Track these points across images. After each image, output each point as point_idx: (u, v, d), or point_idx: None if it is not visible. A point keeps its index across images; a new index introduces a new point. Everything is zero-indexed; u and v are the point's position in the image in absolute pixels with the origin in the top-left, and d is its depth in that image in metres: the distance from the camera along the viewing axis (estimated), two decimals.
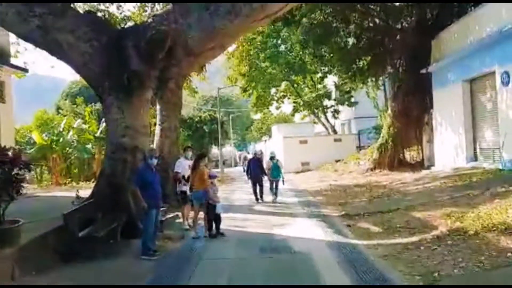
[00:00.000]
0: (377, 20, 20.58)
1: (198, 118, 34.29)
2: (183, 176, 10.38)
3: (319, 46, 19.99)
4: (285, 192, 18.53)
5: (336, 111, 35.03)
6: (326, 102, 36.47)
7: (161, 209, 8.77)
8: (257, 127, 58.22)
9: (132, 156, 10.11)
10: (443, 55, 17.78)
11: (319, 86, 36.29)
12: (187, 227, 10.27)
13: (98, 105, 31.94)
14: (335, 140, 31.29)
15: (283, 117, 49.73)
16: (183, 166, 10.44)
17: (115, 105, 10.40)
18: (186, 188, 10.29)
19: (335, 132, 35.56)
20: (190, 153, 10.77)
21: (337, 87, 34.78)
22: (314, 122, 37.34)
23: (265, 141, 47.28)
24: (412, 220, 9.18)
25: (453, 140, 17.40)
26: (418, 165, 20.92)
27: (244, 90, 35.90)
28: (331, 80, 36.04)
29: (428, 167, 19.76)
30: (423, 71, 18.81)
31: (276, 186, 15.16)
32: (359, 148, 31.63)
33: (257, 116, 62.11)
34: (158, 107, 14.53)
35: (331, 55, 21.16)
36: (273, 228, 10.23)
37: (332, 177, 22.33)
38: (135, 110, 10.48)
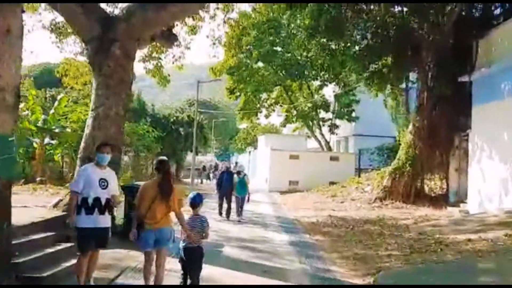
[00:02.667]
0: (404, 10, 16.16)
1: (174, 118, 29.49)
2: (98, 201, 5.55)
3: (331, 34, 15.42)
4: (270, 221, 13.85)
5: (334, 125, 30.53)
6: (323, 115, 32.01)
7: None
8: (242, 137, 53.41)
9: None
10: (493, 59, 13.42)
11: (316, 96, 31.78)
12: None
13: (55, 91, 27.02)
14: (332, 158, 26.72)
15: (271, 129, 45.12)
16: (89, 179, 5.55)
17: None
18: (107, 221, 5.65)
19: (329, 149, 31.01)
20: (107, 156, 5.82)
21: (337, 98, 30.34)
22: (308, 136, 32.75)
23: (249, 152, 42.60)
24: None
25: (499, 171, 12.91)
26: (441, 199, 16.47)
27: (231, 92, 31.27)
28: (330, 90, 31.68)
29: (456, 204, 15.30)
30: (463, 79, 14.42)
31: (242, 204, 13.74)
32: (359, 170, 27.10)
33: (244, 126, 57.54)
34: (94, 83, 9.79)
35: (344, 48, 16.60)
36: None
37: (329, 204, 17.70)
38: None
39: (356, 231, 11.64)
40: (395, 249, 8.84)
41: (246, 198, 13.76)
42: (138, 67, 17.25)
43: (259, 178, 30.86)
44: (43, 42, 30.51)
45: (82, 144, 9.64)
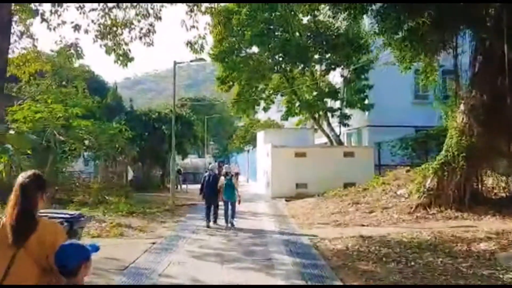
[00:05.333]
0: None
1: (156, 114, 24.97)
2: None
3: None
4: (275, 248, 9.38)
5: (345, 116, 25.95)
6: (331, 104, 27.48)
7: None
8: (240, 135, 48.89)
9: None
10: None
11: (322, 84, 27.24)
12: None
13: None
14: (346, 154, 22.08)
15: (272, 125, 40.64)
16: None
17: None
18: None
19: (340, 143, 26.39)
20: None
21: (347, 83, 25.79)
22: (315, 129, 28.12)
23: (248, 151, 38.06)
24: None
25: None
26: (507, 204, 11.99)
27: (222, 81, 26.73)
28: (337, 76, 27.16)
29: None
30: None
31: (232, 209, 12.58)
32: (379, 167, 22.58)
33: (242, 124, 53.06)
34: None
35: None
36: None
37: (354, 216, 13.18)
38: None
39: (416, 268, 7.13)
40: None
41: (237, 201, 12.73)
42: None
43: (259, 183, 26.32)
44: None
45: None
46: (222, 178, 12.96)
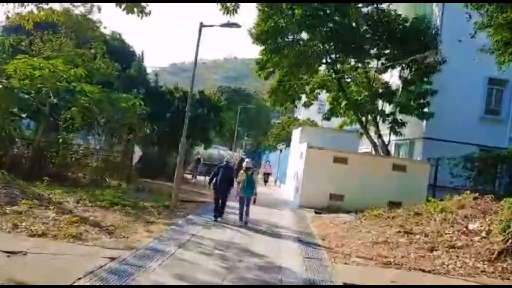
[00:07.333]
0: None
1: (181, 94, 21.90)
2: None
3: None
4: None
5: (399, 123, 22.07)
6: (382, 107, 23.67)
7: None
8: (274, 132, 45.39)
9: None
10: None
11: (375, 83, 23.48)
12: None
13: None
14: (396, 167, 18.24)
15: (311, 126, 37.00)
16: None
17: None
18: None
19: (387, 153, 22.54)
20: None
21: (406, 83, 21.93)
22: (361, 133, 24.33)
23: (281, 150, 34.61)
24: None
25: None
26: None
27: (261, 66, 23.42)
28: (394, 76, 23.32)
29: None
30: None
31: (248, 204, 12.10)
32: (434, 189, 18.71)
33: (279, 121, 49.60)
34: None
35: None
36: None
37: (405, 250, 9.57)
38: None
39: None
40: None
41: (252, 199, 12.34)
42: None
43: (287, 187, 22.88)
44: None
45: None
46: (242, 172, 12.46)
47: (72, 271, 5.78)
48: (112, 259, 6.58)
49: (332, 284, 6.99)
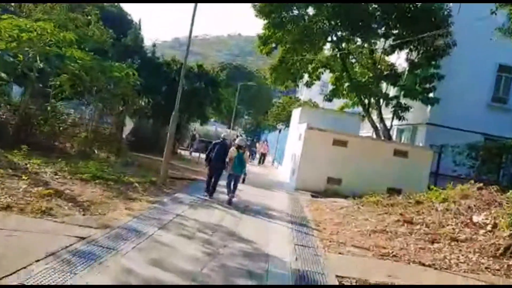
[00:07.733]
0: None
1: (178, 66, 21.08)
2: None
3: None
4: None
5: (403, 107, 21.26)
6: (386, 90, 22.83)
7: None
8: (274, 112, 44.60)
9: None
10: None
11: (381, 65, 22.58)
12: None
13: None
14: (397, 152, 17.52)
15: (313, 107, 36.16)
16: None
17: None
18: None
19: (389, 138, 21.80)
20: None
21: (413, 66, 21.06)
22: (363, 116, 23.53)
23: (280, 131, 33.86)
24: None
25: None
26: None
27: (264, 41, 22.53)
28: (401, 57, 22.41)
29: None
30: None
31: (236, 182, 11.80)
32: (435, 177, 18.06)
33: (280, 100, 48.75)
34: None
35: None
36: None
37: (404, 241, 8.93)
38: None
39: None
40: None
41: (241, 178, 12.06)
42: None
43: (284, 168, 22.20)
44: None
45: None
46: (233, 149, 11.97)
47: (30, 251, 5.11)
48: (81, 238, 5.92)
49: (322, 273, 6.36)
